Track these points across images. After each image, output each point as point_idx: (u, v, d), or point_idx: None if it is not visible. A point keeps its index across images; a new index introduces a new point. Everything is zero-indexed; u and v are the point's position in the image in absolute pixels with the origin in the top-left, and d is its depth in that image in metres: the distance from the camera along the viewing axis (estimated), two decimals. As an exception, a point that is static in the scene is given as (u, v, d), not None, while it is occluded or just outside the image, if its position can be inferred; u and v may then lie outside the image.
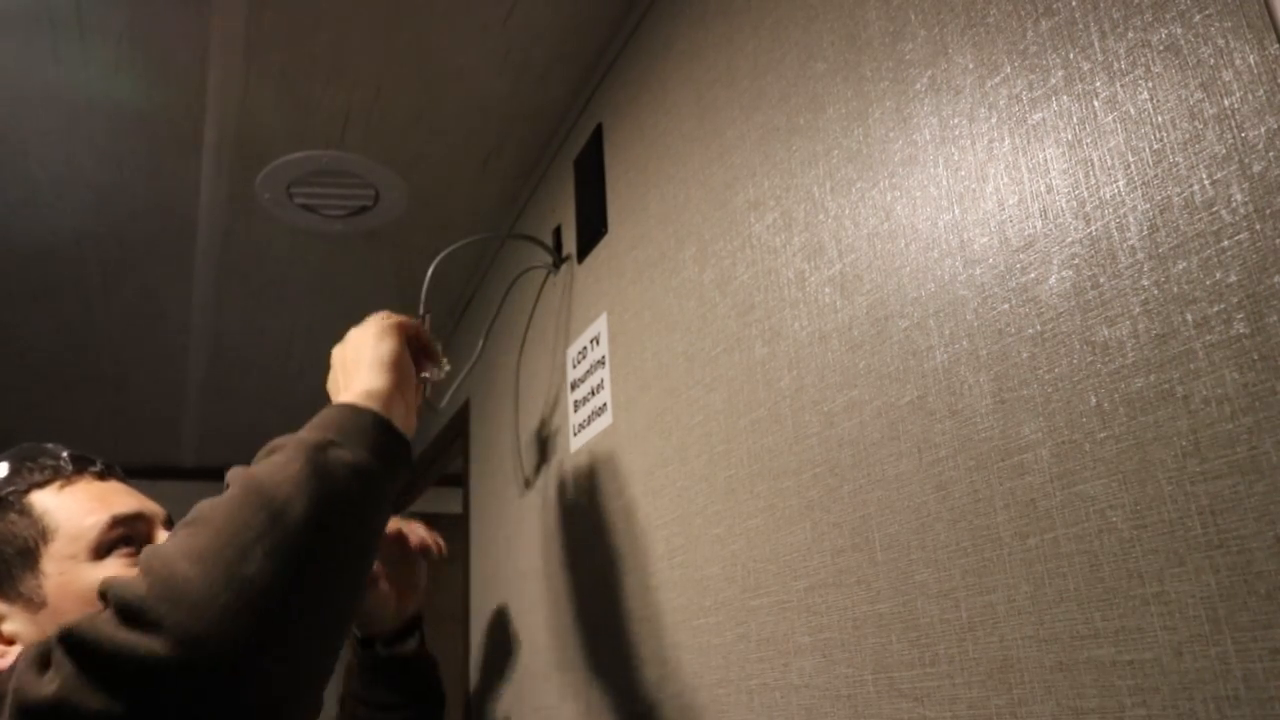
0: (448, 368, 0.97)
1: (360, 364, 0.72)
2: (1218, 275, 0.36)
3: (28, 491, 0.68)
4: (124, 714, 0.46)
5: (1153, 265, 0.38)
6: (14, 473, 0.69)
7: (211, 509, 0.55)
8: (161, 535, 0.70)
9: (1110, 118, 0.41)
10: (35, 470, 0.69)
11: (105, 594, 0.51)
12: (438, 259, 0.95)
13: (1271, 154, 0.35)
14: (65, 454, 0.71)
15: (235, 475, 0.58)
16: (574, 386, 0.98)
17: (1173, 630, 0.36)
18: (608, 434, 0.89)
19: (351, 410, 0.66)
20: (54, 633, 0.49)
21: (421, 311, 0.89)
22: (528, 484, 1.13)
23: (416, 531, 0.96)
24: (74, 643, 0.48)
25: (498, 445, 1.26)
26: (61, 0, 0.88)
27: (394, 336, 0.74)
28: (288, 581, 0.52)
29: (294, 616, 0.52)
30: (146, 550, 0.54)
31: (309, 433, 0.63)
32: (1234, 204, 0.36)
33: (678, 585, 0.73)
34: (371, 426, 0.66)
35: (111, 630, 0.48)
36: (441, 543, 0.98)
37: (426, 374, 0.89)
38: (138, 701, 0.47)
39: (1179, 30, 0.38)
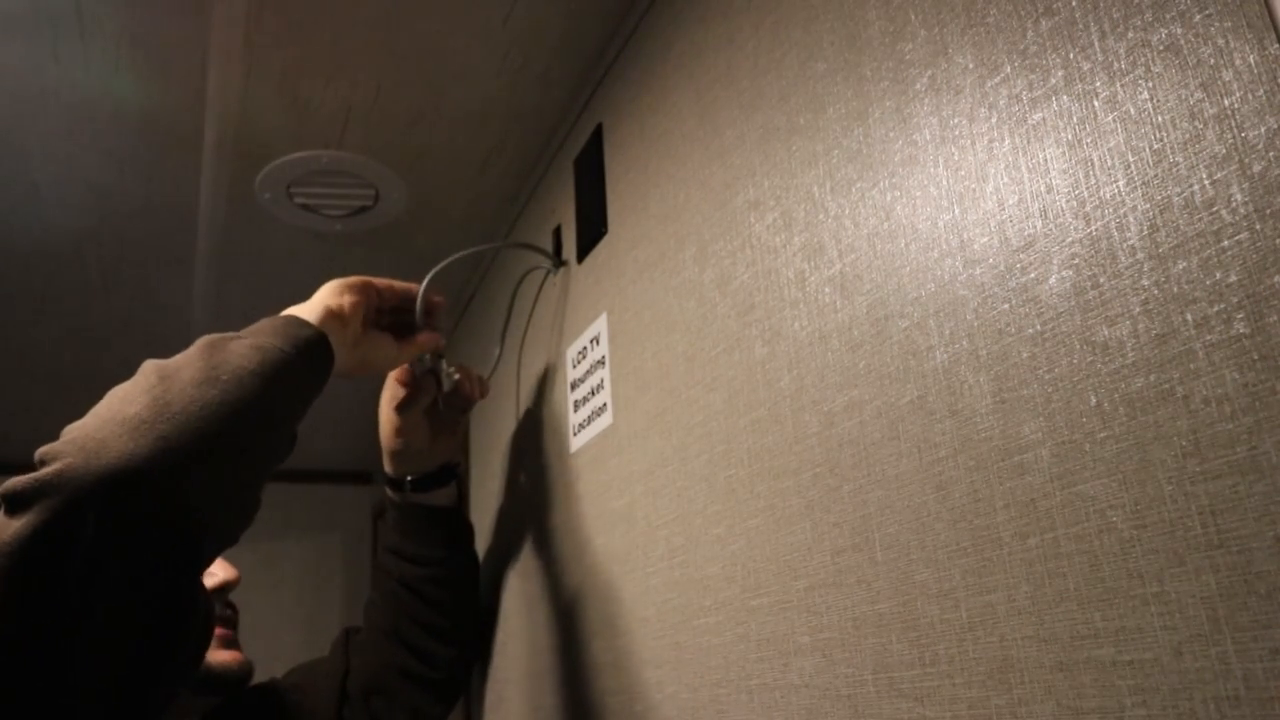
0: (456, 377, 0.97)
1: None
2: (1218, 275, 0.36)
3: None
4: (30, 532, 0.53)
5: (1153, 265, 0.38)
6: None
7: (116, 388, 0.63)
8: None
9: (1110, 118, 0.41)
10: None
11: None
12: (429, 276, 0.92)
13: (1271, 154, 0.35)
14: None
15: (145, 363, 0.66)
16: (574, 386, 0.98)
17: (1173, 630, 0.36)
18: (608, 434, 0.89)
19: (267, 319, 0.73)
20: None
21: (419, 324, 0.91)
22: (528, 484, 1.13)
23: (471, 391, 1.00)
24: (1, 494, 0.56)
25: (498, 445, 1.26)
26: (61, 0, 0.88)
27: (351, 278, 0.84)
28: (169, 416, 0.58)
29: (177, 444, 0.58)
30: None
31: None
32: (1234, 204, 0.36)
33: (678, 585, 0.73)
34: (284, 323, 0.72)
35: (26, 475, 0.55)
36: (487, 389, 1.05)
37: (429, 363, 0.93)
38: (42, 516, 0.53)
39: (1179, 30, 0.38)
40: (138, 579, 0.57)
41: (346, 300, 0.80)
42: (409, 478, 1.01)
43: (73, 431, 0.58)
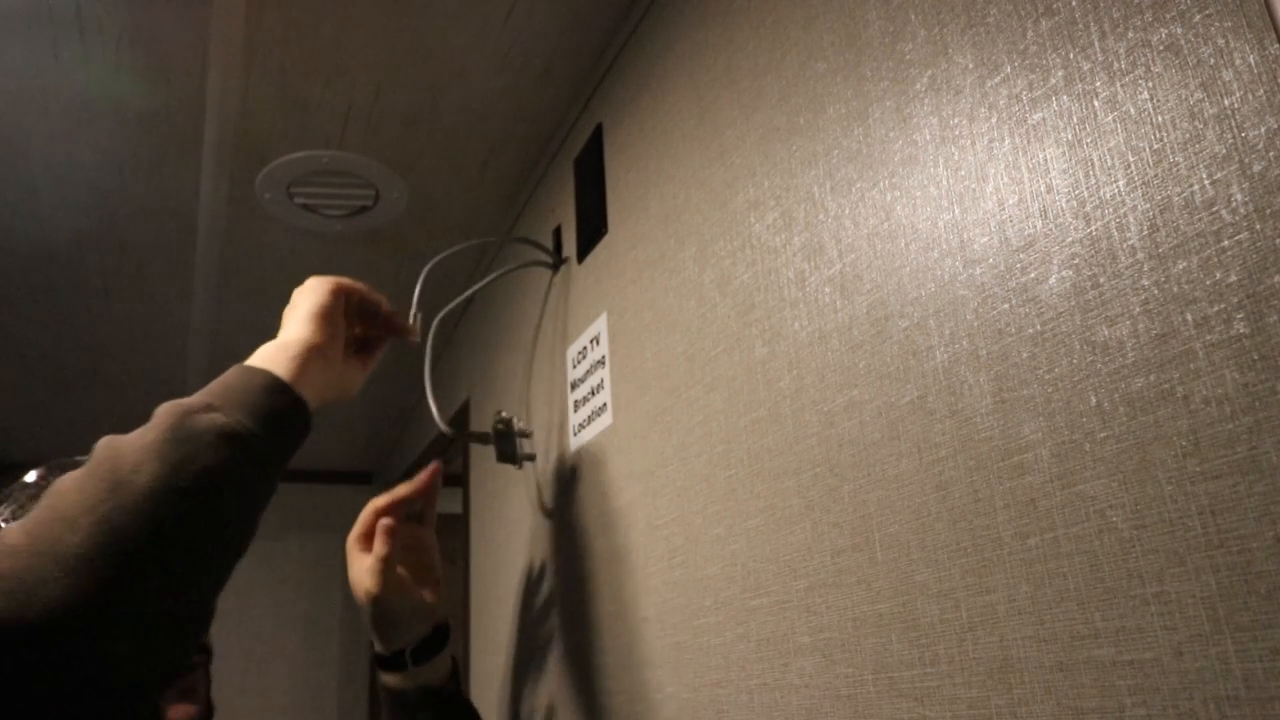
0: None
1: (290, 317, 0.73)
2: (1218, 275, 0.36)
3: None
4: None
5: (1153, 265, 0.38)
6: (42, 477, 0.73)
7: (64, 482, 0.55)
8: None
9: (1110, 118, 0.41)
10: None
11: None
12: (430, 263, 0.95)
13: (1271, 154, 0.35)
14: None
15: (102, 443, 0.57)
16: (574, 386, 0.98)
17: (1173, 630, 0.36)
18: (608, 434, 0.89)
19: (244, 372, 0.65)
20: None
21: (414, 312, 0.85)
22: (528, 484, 1.13)
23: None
24: None
25: (498, 445, 1.26)
26: (61, 0, 0.88)
27: (327, 289, 0.75)
28: (116, 550, 0.52)
29: (124, 586, 0.52)
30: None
31: (193, 397, 0.61)
32: (1234, 204, 0.36)
33: (678, 585, 0.73)
34: (261, 389, 0.63)
35: None
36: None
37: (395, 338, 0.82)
38: None
39: (1179, 30, 0.38)
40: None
41: (329, 333, 0.72)
42: (407, 650, 0.87)
43: (5, 559, 0.51)
